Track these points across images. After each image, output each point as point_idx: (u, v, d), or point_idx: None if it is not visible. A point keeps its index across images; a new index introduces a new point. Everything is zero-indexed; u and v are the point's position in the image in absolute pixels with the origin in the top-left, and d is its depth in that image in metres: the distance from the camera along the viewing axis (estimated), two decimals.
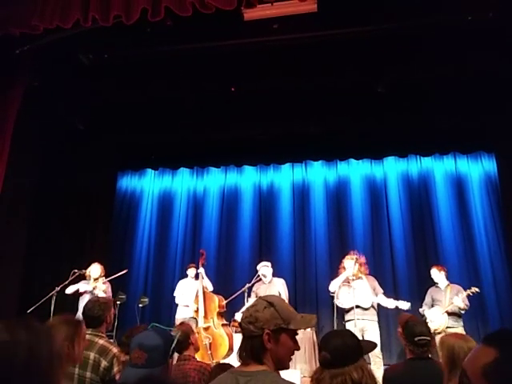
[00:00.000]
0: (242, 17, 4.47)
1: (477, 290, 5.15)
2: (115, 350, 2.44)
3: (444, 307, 5.07)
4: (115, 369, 2.36)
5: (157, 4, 3.83)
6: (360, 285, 5.12)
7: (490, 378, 0.79)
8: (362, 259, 5.32)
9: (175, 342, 2.72)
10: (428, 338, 2.35)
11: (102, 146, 7.19)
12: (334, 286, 5.29)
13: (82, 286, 5.44)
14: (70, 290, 5.40)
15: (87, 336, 2.49)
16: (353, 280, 5.15)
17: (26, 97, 5.00)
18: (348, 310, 5.11)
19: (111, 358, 2.37)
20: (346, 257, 5.35)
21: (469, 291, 5.10)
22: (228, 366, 2.32)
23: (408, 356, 2.41)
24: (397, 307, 4.98)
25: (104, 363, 2.35)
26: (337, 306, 5.15)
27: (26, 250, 6.14)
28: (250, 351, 1.43)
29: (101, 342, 2.46)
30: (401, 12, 4.37)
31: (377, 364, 4.77)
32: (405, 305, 4.93)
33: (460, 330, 4.95)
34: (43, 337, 0.92)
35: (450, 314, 5.05)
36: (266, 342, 1.41)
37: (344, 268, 5.24)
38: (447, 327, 4.97)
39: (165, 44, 4.95)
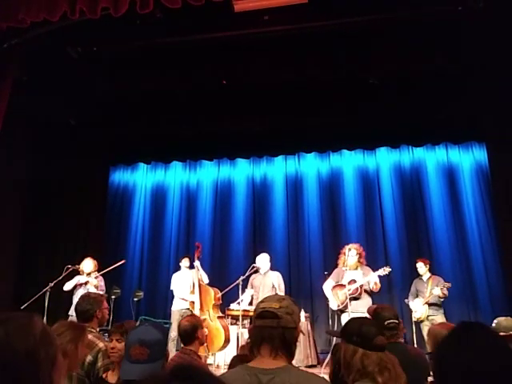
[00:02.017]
0: (232, 8, 4.43)
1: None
2: (101, 344, 2.41)
3: (425, 298, 5.41)
4: (99, 363, 2.33)
5: None
6: (352, 276, 5.14)
7: None
8: (362, 250, 5.35)
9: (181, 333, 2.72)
10: (396, 321, 2.51)
11: (92, 141, 7.13)
12: (327, 289, 5.33)
13: (77, 281, 5.41)
14: (67, 287, 5.35)
15: None
16: (345, 270, 5.18)
17: (14, 91, 4.94)
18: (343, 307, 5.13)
19: (96, 352, 2.36)
20: (347, 246, 5.36)
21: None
22: (248, 358, 2.30)
23: None
24: (379, 276, 5.12)
25: (89, 358, 2.34)
26: None
27: (20, 246, 6.11)
28: (283, 342, 1.39)
29: (89, 336, 2.41)
30: (391, 2, 4.36)
31: None
32: (385, 270, 5.13)
33: (440, 317, 5.30)
34: (20, 329, 0.89)
35: (430, 304, 5.39)
36: (297, 336, 1.42)
37: (344, 253, 5.25)
38: (428, 316, 5.34)
39: (155, 36, 4.90)
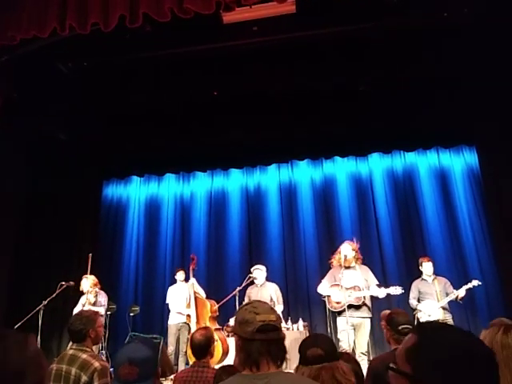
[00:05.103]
0: (221, 20, 4.47)
1: (479, 282, 5.24)
2: (97, 364, 2.34)
3: (439, 301, 5.14)
4: (95, 383, 2.28)
5: (134, 10, 3.78)
6: (351, 277, 4.97)
7: (410, 360, 0.91)
8: (356, 246, 5.23)
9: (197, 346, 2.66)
10: (410, 327, 2.49)
11: (84, 155, 7.10)
12: (322, 289, 5.22)
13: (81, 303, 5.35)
14: (76, 311, 5.26)
15: (71, 351, 2.44)
16: (345, 268, 4.99)
17: (5, 108, 4.92)
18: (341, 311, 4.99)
19: (91, 372, 2.30)
20: (342, 245, 5.26)
21: (470, 284, 5.18)
22: (232, 369, 2.27)
23: (393, 346, 2.55)
24: (389, 294, 4.96)
25: (84, 378, 2.28)
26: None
27: (13, 263, 6.03)
28: (280, 352, 1.41)
29: (83, 356, 2.38)
30: (379, 11, 4.43)
31: (363, 361, 4.59)
32: (397, 290, 4.94)
33: (451, 321, 5.11)
34: (15, 347, 0.89)
35: (442, 307, 5.17)
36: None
37: (340, 252, 5.12)
38: (443, 320, 5.04)
39: (145, 50, 4.92)
